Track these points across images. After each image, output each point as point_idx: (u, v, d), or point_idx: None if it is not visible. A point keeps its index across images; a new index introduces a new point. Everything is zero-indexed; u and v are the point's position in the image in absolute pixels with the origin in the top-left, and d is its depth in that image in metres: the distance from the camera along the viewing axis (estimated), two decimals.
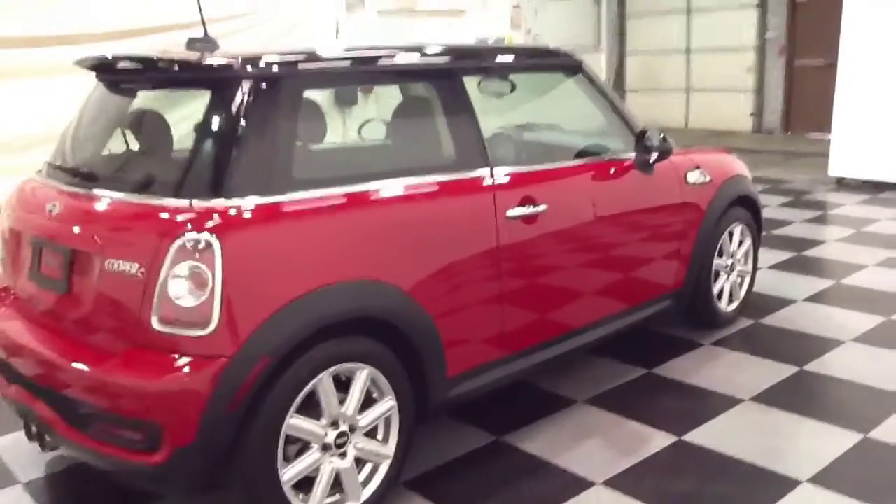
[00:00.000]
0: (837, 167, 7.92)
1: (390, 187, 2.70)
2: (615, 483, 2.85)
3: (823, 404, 3.40)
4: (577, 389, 3.60)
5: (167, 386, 2.26)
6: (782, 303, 4.66)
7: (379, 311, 2.58)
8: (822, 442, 3.08)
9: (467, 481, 2.91)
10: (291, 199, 2.46)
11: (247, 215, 2.37)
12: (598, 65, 13.19)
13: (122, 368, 2.33)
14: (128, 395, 2.31)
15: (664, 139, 3.53)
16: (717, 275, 4.18)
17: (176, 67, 2.64)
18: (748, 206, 4.32)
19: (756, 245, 4.47)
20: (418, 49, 2.98)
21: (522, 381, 3.48)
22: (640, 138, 3.58)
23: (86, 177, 2.69)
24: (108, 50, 2.91)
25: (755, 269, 4.50)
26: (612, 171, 3.52)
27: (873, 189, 7.68)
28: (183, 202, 2.37)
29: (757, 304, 4.56)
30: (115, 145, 2.81)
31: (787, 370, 3.73)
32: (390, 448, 2.69)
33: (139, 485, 2.67)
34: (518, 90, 3.39)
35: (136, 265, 2.34)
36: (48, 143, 3.14)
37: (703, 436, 3.17)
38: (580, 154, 3.52)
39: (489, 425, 3.28)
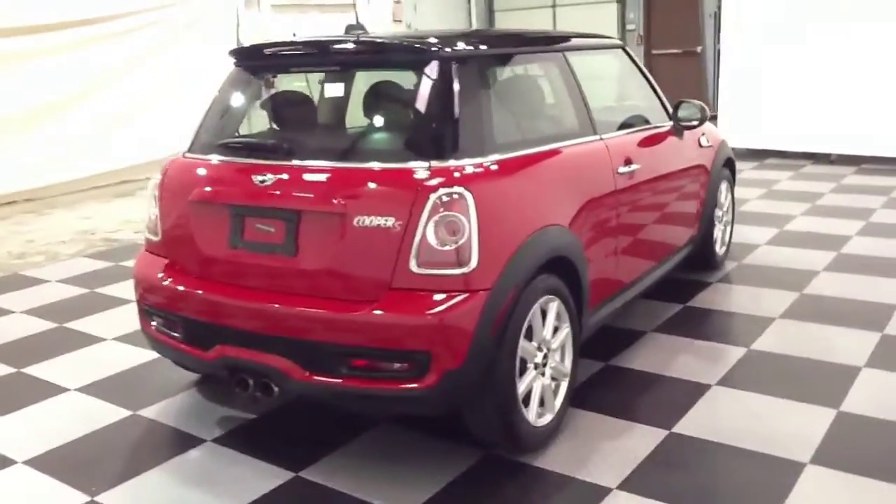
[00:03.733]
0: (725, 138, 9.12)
1: (558, 148, 3.21)
2: (727, 382, 3.52)
3: (838, 315, 4.25)
4: (640, 323, 4.24)
5: (442, 318, 2.64)
6: (750, 248, 5.56)
7: (567, 251, 3.08)
8: (855, 342, 3.90)
9: (611, 393, 3.47)
10: (506, 157, 2.92)
11: (485, 170, 2.80)
12: None
13: (392, 308, 2.67)
14: (400, 331, 2.66)
15: (703, 109, 4.24)
16: (713, 224, 4.98)
17: (396, 51, 3.00)
18: (729, 167, 5.16)
19: (733, 199, 5.32)
20: (545, 34, 3.48)
21: None
22: (677, 109, 4.29)
23: (300, 151, 2.99)
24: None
25: (733, 219, 5.36)
26: (665, 137, 4.20)
27: (758, 156, 8.96)
28: (423, 163, 2.76)
29: (731, 251, 5.41)
30: (318, 121, 3.10)
31: (791, 295, 4.58)
32: (567, 367, 3.19)
33: (392, 410, 3.04)
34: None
35: (392, 219, 2.69)
36: None
37: (766, 345, 3.91)
38: (628, 123, 4.15)
39: (591, 355, 3.83)
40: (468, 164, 2.78)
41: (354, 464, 3.00)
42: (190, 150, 3.35)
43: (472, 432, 2.97)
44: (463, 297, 2.67)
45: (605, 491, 2.75)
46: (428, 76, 2.90)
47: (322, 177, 2.88)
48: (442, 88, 2.87)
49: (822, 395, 3.37)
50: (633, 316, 4.31)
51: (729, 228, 5.26)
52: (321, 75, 3.39)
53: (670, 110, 4.36)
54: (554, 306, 3.05)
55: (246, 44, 10.62)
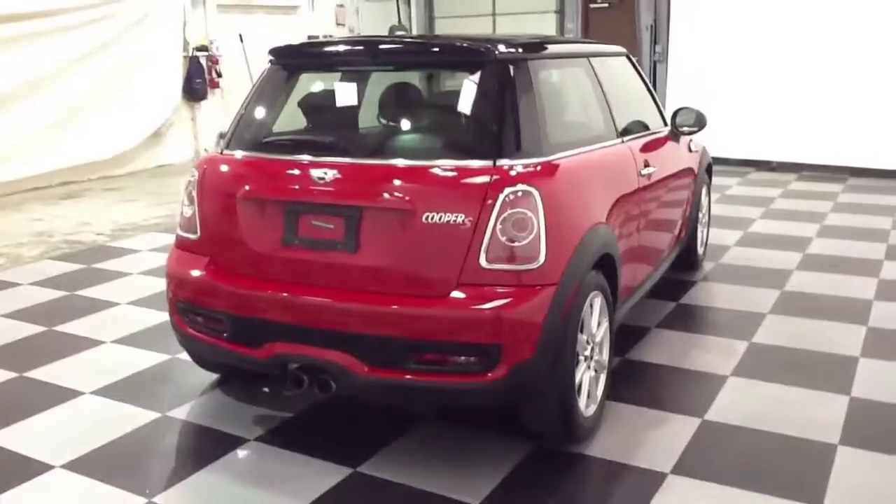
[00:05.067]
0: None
1: (598, 149, 3.35)
2: (741, 373, 3.72)
3: (822, 310, 4.53)
4: (643, 320, 4.42)
5: (515, 312, 2.72)
6: (721, 249, 5.84)
7: (611, 248, 3.21)
8: (844, 334, 4.17)
9: (637, 386, 3.62)
10: (561, 157, 3.02)
11: (547, 169, 2.90)
12: None
13: (464, 303, 2.73)
14: (472, 325, 2.72)
15: (700, 115, 4.45)
16: (697, 224, 5.22)
17: (459, 53, 3.07)
18: (709, 171, 5.43)
19: (710, 202, 5.59)
20: (574, 41, 3.61)
21: None
22: (675, 115, 4.49)
23: (358, 148, 3.01)
24: None
25: (709, 221, 5.63)
26: (666, 141, 4.40)
27: None
28: (488, 162, 2.83)
29: (706, 252, 5.68)
30: (373, 120, 3.13)
31: (774, 293, 4.86)
32: (606, 360, 3.32)
33: (454, 403, 3.08)
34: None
35: (462, 216, 2.75)
36: None
37: (765, 338, 4.14)
38: (636, 128, 4.33)
39: None
40: (531, 163, 2.87)
41: (411, 459, 3.04)
42: (228, 147, 3.32)
43: (526, 423, 3.04)
44: (533, 290, 2.75)
45: (662, 476, 2.88)
46: (491, 77, 2.97)
47: (387, 174, 2.91)
48: (505, 89, 2.95)
49: (830, 382, 3.60)
50: (635, 313, 4.47)
51: (706, 230, 5.52)
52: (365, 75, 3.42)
53: (667, 116, 4.57)
54: (598, 301, 3.17)
55: (191, 42, 10.45)
